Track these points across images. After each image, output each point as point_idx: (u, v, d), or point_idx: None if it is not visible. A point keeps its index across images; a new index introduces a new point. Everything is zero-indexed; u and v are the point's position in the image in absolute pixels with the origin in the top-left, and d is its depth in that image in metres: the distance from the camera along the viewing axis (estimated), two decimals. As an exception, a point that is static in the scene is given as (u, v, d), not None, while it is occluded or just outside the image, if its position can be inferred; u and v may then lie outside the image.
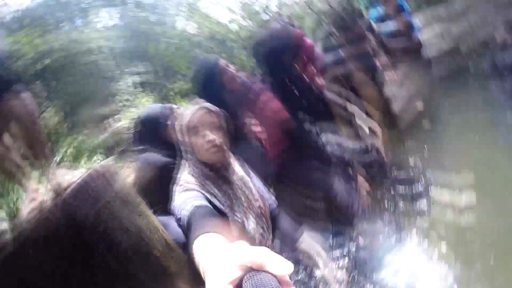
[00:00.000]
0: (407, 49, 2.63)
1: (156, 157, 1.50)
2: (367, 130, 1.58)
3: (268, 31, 1.52)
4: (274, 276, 0.30)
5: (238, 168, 1.19)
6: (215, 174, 1.11)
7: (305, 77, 1.74)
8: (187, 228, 0.91)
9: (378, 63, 2.24)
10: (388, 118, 2.09)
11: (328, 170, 1.53)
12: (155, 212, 1.19)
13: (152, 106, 1.67)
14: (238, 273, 0.31)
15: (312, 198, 1.57)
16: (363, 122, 1.59)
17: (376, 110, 2.04)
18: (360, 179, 1.52)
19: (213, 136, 1.07)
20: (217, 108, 1.13)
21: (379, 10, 2.73)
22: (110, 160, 1.13)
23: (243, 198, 1.13)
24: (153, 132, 1.55)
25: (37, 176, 1.23)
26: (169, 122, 1.57)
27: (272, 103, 1.48)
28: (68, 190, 0.90)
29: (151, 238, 1.06)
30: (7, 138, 1.18)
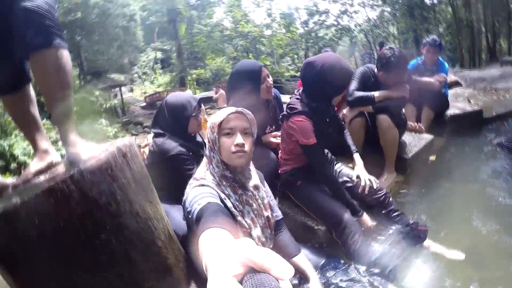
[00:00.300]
0: (434, 105, 2.66)
1: (171, 145, 1.47)
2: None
3: (335, 61, 1.47)
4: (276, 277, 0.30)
5: (254, 176, 1.20)
6: (233, 177, 1.11)
7: (335, 108, 1.76)
8: (196, 221, 0.90)
9: (404, 111, 2.26)
10: (399, 163, 2.10)
11: (335, 198, 1.54)
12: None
13: (181, 94, 1.63)
14: (240, 270, 0.31)
15: (315, 220, 1.59)
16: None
17: (391, 153, 2.05)
18: (365, 216, 1.53)
19: (242, 141, 1.07)
20: (252, 116, 1.12)
21: (418, 61, 2.75)
22: (132, 139, 1.09)
23: (254, 206, 1.13)
24: (176, 120, 1.52)
25: (48, 137, 1.18)
26: (194, 115, 1.55)
27: (304, 126, 1.48)
28: (88, 164, 0.86)
29: (156, 227, 1.03)
30: (31, 90, 1.14)
